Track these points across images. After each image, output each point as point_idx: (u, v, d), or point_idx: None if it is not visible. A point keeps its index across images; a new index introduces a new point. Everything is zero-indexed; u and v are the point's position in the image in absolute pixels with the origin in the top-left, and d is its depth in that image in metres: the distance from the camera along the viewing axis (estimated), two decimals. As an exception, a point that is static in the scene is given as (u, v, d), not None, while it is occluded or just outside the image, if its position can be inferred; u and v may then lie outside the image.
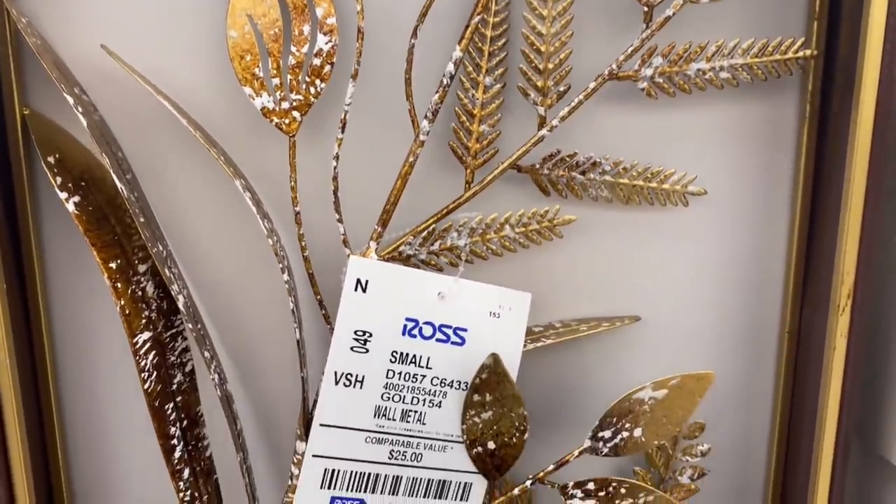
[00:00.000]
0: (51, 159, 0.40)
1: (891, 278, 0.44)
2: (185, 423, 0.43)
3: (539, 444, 0.44)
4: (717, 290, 0.45)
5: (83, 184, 0.40)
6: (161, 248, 0.41)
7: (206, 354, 0.42)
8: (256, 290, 0.44)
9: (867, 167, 0.40)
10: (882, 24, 0.37)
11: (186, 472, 0.43)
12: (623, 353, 0.45)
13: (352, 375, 0.40)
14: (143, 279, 0.41)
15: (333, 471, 0.41)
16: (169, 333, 0.43)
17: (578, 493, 0.43)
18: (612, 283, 0.45)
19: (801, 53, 0.40)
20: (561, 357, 0.45)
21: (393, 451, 0.41)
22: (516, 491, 0.44)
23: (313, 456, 0.40)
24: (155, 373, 0.42)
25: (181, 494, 0.43)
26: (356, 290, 0.40)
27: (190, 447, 0.43)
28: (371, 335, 0.40)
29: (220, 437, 0.44)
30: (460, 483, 0.43)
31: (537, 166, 0.42)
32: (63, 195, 0.39)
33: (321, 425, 0.40)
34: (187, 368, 0.44)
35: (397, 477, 0.42)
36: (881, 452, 0.45)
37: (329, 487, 0.41)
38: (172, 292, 0.41)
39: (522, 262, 0.44)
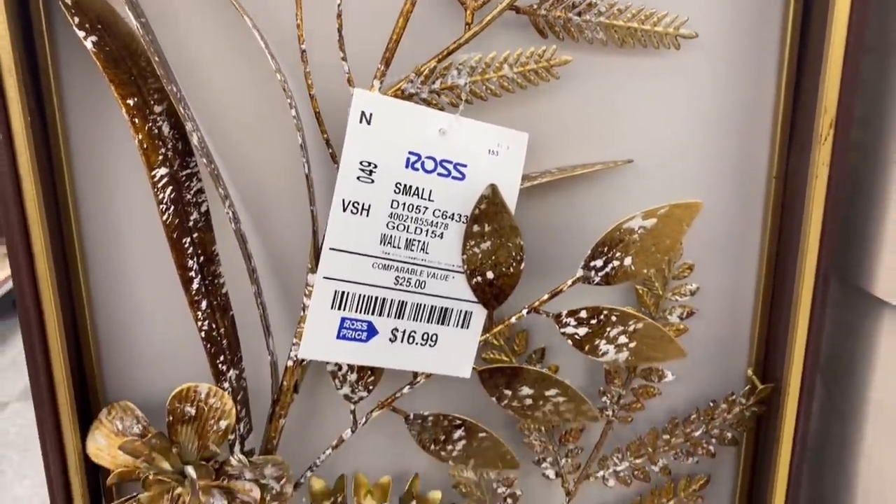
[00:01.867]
0: (68, 0, 0.41)
1: (874, 116, 0.46)
2: (201, 258, 0.46)
3: (534, 278, 0.47)
4: (707, 134, 0.47)
5: (99, 27, 0.42)
6: (175, 88, 0.43)
7: (221, 191, 0.44)
8: (265, 130, 0.46)
9: (847, 28, 0.41)
10: None
11: (204, 304, 0.46)
12: (616, 196, 0.48)
13: (358, 203, 0.42)
14: (159, 119, 0.44)
15: (343, 293, 0.43)
16: (184, 173, 0.45)
17: (572, 321, 0.46)
18: (605, 127, 0.47)
19: None
20: (556, 200, 0.48)
21: (398, 277, 0.44)
22: (513, 319, 0.47)
23: (324, 278, 0.43)
24: (172, 207, 0.44)
25: (200, 324, 0.45)
26: (361, 122, 0.42)
27: (207, 282, 0.46)
28: (376, 166, 0.42)
29: (233, 278, 0.47)
30: (461, 311, 0.45)
31: (535, 7, 0.44)
32: (81, 34, 0.41)
33: (331, 249, 0.43)
34: (203, 209, 0.46)
35: (402, 302, 0.44)
36: (859, 283, 0.48)
37: (339, 308, 0.44)
38: (187, 129, 0.44)
39: (519, 107, 0.46)
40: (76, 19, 0.41)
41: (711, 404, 0.51)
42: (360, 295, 0.44)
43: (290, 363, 0.47)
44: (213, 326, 0.46)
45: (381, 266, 0.44)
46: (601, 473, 0.52)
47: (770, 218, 0.49)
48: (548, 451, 0.52)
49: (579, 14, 0.44)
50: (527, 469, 0.52)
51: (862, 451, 0.49)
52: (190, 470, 0.46)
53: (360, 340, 0.44)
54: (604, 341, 0.46)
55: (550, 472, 0.52)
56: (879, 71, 0.46)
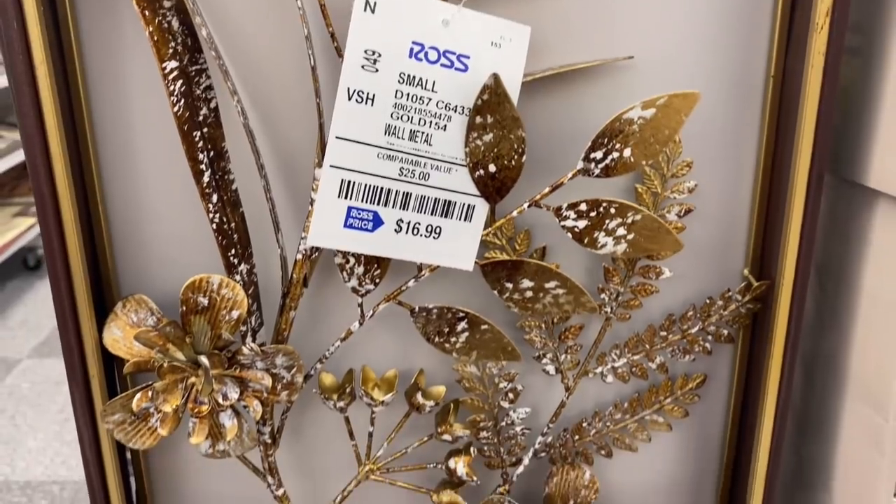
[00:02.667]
0: None
1: (866, 19, 0.47)
2: (211, 153, 0.47)
3: (535, 174, 0.48)
4: (706, 32, 0.48)
5: (107, -81, 0.43)
6: (183, -17, 0.44)
7: (230, 86, 0.46)
8: (271, 24, 0.46)
9: None
10: None
11: (215, 198, 0.47)
12: (615, 92, 0.48)
13: (363, 93, 0.43)
14: (168, 13, 0.44)
15: (349, 182, 0.45)
16: (194, 68, 0.46)
17: (571, 213, 0.47)
18: (606, 24, 0.47)
19: None
20: (557, 96, 0.48)
21: (402, 168, 0.45)
22: (514, 213, 0.48)
23: (331, 166, 0.44)
24: (183, 100, 0.45)
25: (211, 216, 0.47)
26: (365, 10, 0.42)
27: (217, 176, 0.47)
28: (380, 55, 0.43)
29: (243, 176, 0.48)
30: (464, 204, 0.47)
31: None
32: (89, -75, 0.42)
33: (337, 138, 0.44)
34: (212, 105, 0.47)
35: (407, 193, 0.46)
36: (853, 177, 0.49)
37: (346, 198, 0.45)
38: (195, 23, 0.45)
39: (521, 3, 0.46)
40: (85, -89, 0.42)
41: (708, 301, 0.52)
42: (365, 185, 0.45)
43: (299, 256, 0.48)
44: (224, 220, 0.48)
45: (385, 157, 0.45)
46: (600, 370, 0.54)
47: (768, 116, 0.49)
48: (548, 348, 0.53)
49: None
50: (527, 366, 0.54)
51: (854, 343, 0.51)
52: (203, 359, 0.48)
53: (366, 230, 0.46)
54: (602, 233, 0.47)
55: (550, 369, 0.54)
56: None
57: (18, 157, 3.41)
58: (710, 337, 0.53)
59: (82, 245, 0.48)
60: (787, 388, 0.51)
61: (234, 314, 0.48)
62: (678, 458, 0.58)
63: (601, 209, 0.47)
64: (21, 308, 3.39)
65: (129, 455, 0.57)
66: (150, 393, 0.49)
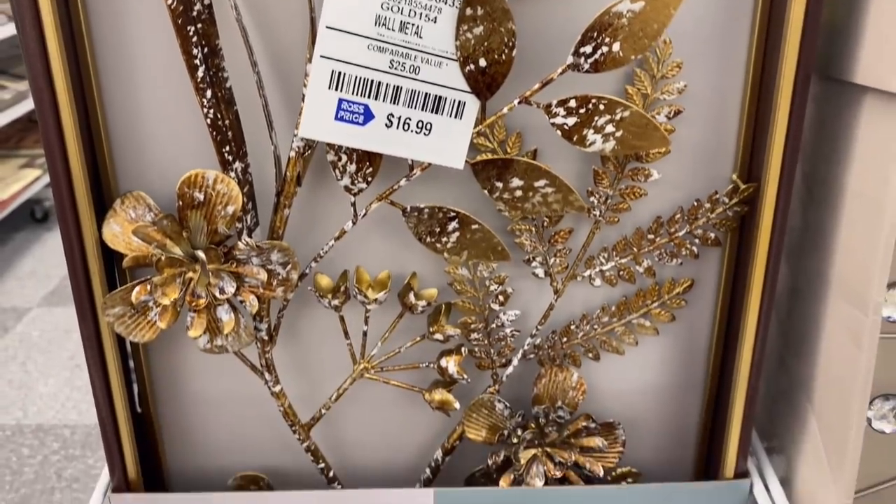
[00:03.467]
0: None
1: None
2: (205, 49, 0.47)
3: (525, 73, 0.48)
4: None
5: None
6: None
7: (222, -21, 0.46)
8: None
9: None
10: None
11: (209, 94, 0.48)
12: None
13: (354, -17, 0.44)
14: None
15: (340, 73, 0.45)
16: (186, -38, 0.46)
17: (561, 110, 0.48)
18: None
19: None
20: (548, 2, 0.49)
21: (393, 60, 0.46)
22: (505, 110, 0.48)
23: (321, 56, 0.45)
24: (175, -7, 0.46)
25: (205, 111, 0.48)
26: None
27: (211, 73, 0.48)
28: (370, -55, 0.43)
29: (237, 76, 0.49)
30: (454, 101, 0.47)
31: None
32: None
33: (327, 27, 0.44)
34: (206, 1, 0.48)
35: (397, 87, 0.46)
36: (840, 75, 0.49)
37: (336, 89, 0.46)
38: (187, -86, 0.45)
39: None
40: None
41: (695, 203, 0.53)
42: (356, 77, 0.46)
43: (292, 154, 0.49)
44: (219, 117, 0.48)
45: (376, 48, 0.45)
46: (588, 273, 0.55)
47: (759, 16, 0.49)
48: (537, 252, 0.55)
49: None
50: (517, 269, 0.55)
51: (838, 242, 0.52)
52: (200, 253, 0.49)
53: (357, 123, 0.47)
54: (591, 130, 0.48)
55: (540, 272, 0.55)
56: None
57: (24, 108, 3.41)
58: (697, 240, 0.54)
59: (81, 144, 0.49)
60: (771, 291, 0.53)
61: (230, 209, 0.49)
62: (665, 364, 0.59)
63: (590, 105, 0.47)
64: (30, 259, 3.42)
65: (132, 364, 0.58)
66: (148, 286, 0.50)
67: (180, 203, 0.49)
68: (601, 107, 0.47)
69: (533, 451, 0.58)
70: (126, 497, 0.55)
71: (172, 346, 0.57)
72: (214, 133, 0.48)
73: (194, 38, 0.46)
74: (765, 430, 0.64)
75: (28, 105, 3.38)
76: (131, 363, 0.58)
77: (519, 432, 0.58)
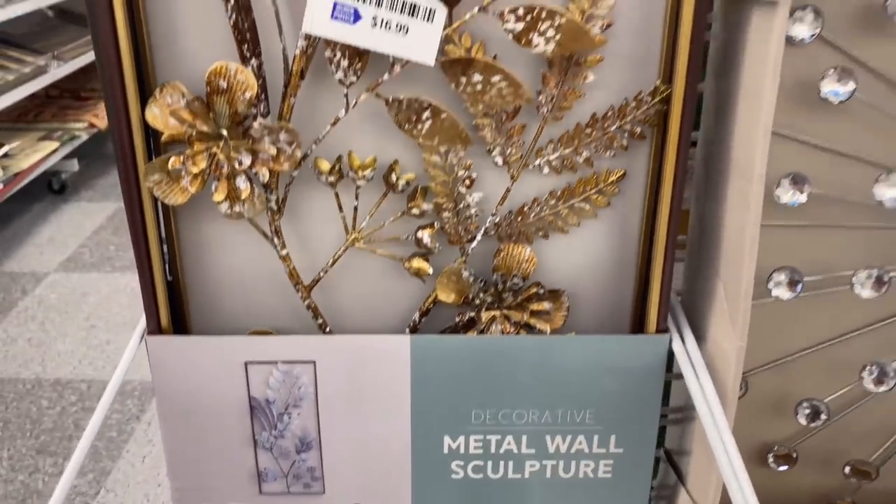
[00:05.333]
0: None
1: None
2: (230, -34, 0.60)
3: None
4: None
5: None
6: None
7: None
8: None
9: None
10: None
11: (232, 1, 0.60)
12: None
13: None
14: None
15: (335, -19, 0.58)
16: None
17: (512, 17, 0.60)
18: None
19: None
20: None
21: (377, -27, 0.58)
22: (467, 16, 0.61)
23: (321, -32, 0.57)
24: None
25: (228, 14, 0.60)
26: None
27: (234, -15, 0.60)
28: None
29: (255, -9, 0.61)
30: (427, 8, 0.59)
31: None
32: None
33: (326, -56, 0.57)
34: (230, -72, 0.60)
35: (381, -6, 0.59)
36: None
37: (332, -5, 0.58)
38: None
39: None
40: None
41: (624, 102, 0.65)
42: (348, -15, 0.58)
43: (297, 52, 0.62)
44: (239, 20, 0.61)
45: (364, -37, 0.58)
46: (538, 162, 0.68)
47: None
48: (497, 143, 0.67)
49: None
50: (480, 158, 0.67)
51: (737, 129, 0.64)
52: (223, 131, 0.62)
53: (348, 22, 0.59)
54: (536, 34, 0.60)
55: (499, 160, 0.67)
56: None
57: (43, 82, 3.54)
58: (626, 134, 0.67)
59: (129, 41, 0.61)
60: (682, 176, 0.65)
61: (247, 94, 0.61)
62: (603, 243, 0.72)
63: (534, 13, 0.59)
64: (47, 227, 3.56)
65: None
66: (181, 157, 0.63)
67: (208, 89, 0.61)
68: (543, 14, 0.59)
69: (493, 313, 0.71)
70: (158, 338, 0.68)
71: (197, 221, 0.70)
72: (236, 33, 0.61)
73: (222, -44, 0.59)
74: (687, 300, 0.76)
75: (46, 80, 3.52)
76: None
77: (481, 296, 0.71)
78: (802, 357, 0.77)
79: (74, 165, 3.76)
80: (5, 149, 3.41)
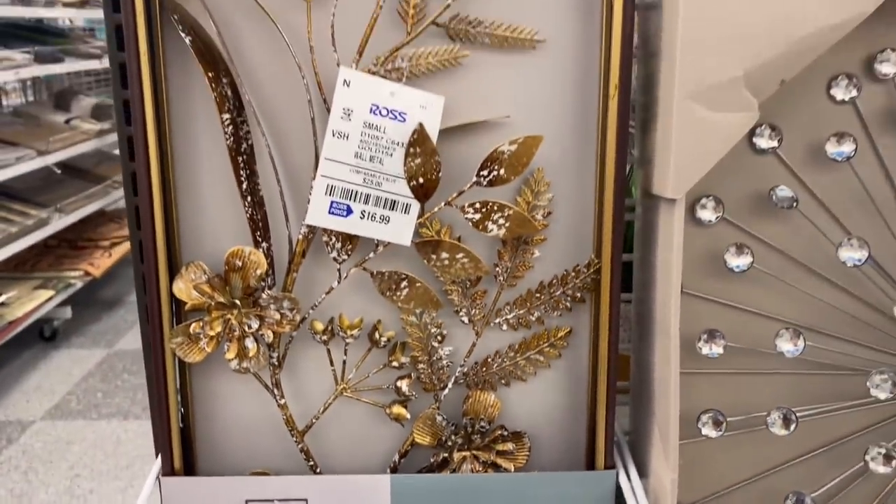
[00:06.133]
0: (175, 17, 0.73)
1: (653, 79, 0.76)
2: (248, 171, 0.76)
3: (448, 185, 0.76)
4: (554, 100, 0.77)
5: (193, 31, 0.73)
6: (235, 69, 0.74)
7: (261, 130, 0.75)
8: (288, 94, 0.76)
9: (622, 31, 0.72)
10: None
11: (249, 199, 0.76)
12: (498, 137, 0.77)
13: (342, 133, 0.72)
14: (225, 86, 0.74)
15: (332, 185, 0.73)
16: (240, 119, 0.75)
17: (471, 210, 0.75)
18: (492, 95, 0.77)
19: (591, -43, 0.73)
20: (461, 138, 0.77)
21: (365, 178, 0.74)
22: (436, 209, 0.76)
23: (321, 176, 0.73)
24: (232, 137, 0.74)
25: (246, 210, 0.75)
26: (344, 86, 0.72)
27: (251, 186, 0.76)
28: (352, 111, 0.72)
29: (266, 185, 0.77)
30: (404, 203, 0.75)
31: (447, 22, 0.74)
32: (184, 35, 0.72)
33: (325, 158, 0.72)
34: (249, 141, 0.76)
35: (368, 194, 0.74)
36: (651, 189, 0.77)
37: (330, 195, 0.73)
38: (241, 93, 0.74)
39: (438, 82, 0.76)
40: (180, 27, 0.72)
41: (565, 272, 0.80)
42: (342, 188, 0.73)
43: (300, 237, 0.76)
44: (254, 214, 0.76)
45: (354, 171, 0.73)
46: (498, 321, 0.81)
47: (599, 153, 0.78)
48: (463, 305, 0.80)
49: (474, 27, 0.75)
50: (450, 318, 0.81)
51: (656, 287, 0.78)
52: (237, 301, 0.75)
53: (342, 216, 0.74)
54: (490, 222, 0.75)
55: (465, 319, 0.81)
56: (647, 56, 0.76)
57: (42, 234, 3.72)
58: (569, 298, 0.81)
59: (163, 227, 0.76)
60: (615, 329, 0.78)
61: (258, 272, 0.75)
62: (557, 389, 0.84)
63: (488, 207, 0.75)
64: (36, 375, 3.61)
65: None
66: (201, 323, 0.75)
67: (226, 267, 0.75)
68: (495, 207, 0.75)
69: (464, 453, 0.81)
70: (172, 479, 0.78)
71: (208, 376, 0.82)
72: (251, 223, 0.76)
73: (241, 164, 0.75)
74: (633, 438, 0.87)
75: (47, 231, 3.70)
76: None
77: (453, 438, 0.82)
78: (737, 489, 0.87)
79: (67, 313, 3.86)
80: (1, 298, 3.52)
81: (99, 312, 4.19)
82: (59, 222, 3.78)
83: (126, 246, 4.02)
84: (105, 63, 3.92)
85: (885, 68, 0.77)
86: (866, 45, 0.78)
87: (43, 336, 3.87)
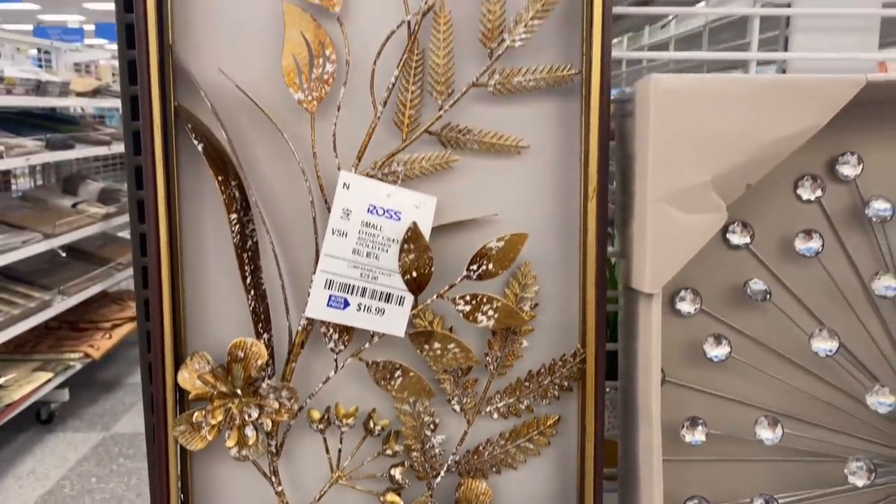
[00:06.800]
0: (189, 126, 0.79)
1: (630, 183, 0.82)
2: (252, 266, 0.80)
3: (440, 278, 0.81)
4: (539, 200, 0.83)
5: (205, 139, 0.79)
6: (243, 173, 0.80)
7: (266, 228, 0.80)
8: (292, 196, 0.81)
9: (598, 138, 0.78)
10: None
11: (252, 293, 0.80)
12: (486, 234, 0.82)
13: (341, 231, 0.78)
14: (234, 188, 0.80)
15: (331, 280, 0.78)
16: (246, 218, 0.81)
17: (462, 302, 0.80)
18: (481, 196, 0.82)
19: (571, 72, 0.80)
20: (453, 234, 0.82)
21: (362, 273, 0.78)
22: (428, 301, 0.80)
23: (321, 271, 0.77)
24: (239, 236, 0.79)
25: (249, 303, 0.80)
26: (343, 188, 0.78)
27: (254, 280, 0.80)
28: (351, 211, 0.78)
29: (270, 279, 0.81)
30: (399, 296, 0.79)
31: (440, 130, 0.81)
32: (196, 142, 0.78)
33: (325, 255, 0.77)
34: (254, 238, 0.81)
35: (364, 287, 0.78)
36: (628, 283, 0.82)
37: (328, 289, 0.78)
38: (248, 195, 0.80)
39: (431, 184, 0.82)
40: (193, 135, 0.78)
41: (552, 362, 0.83)
42: (340, 282, 0.78)
43: (299, 328, 0.81)
44: (257, 306, 0.80)
45: (352, 266, 0.78)
46: (488, 409, 0.84)
47: (583, 248, 0.83)
48: (455, 394, 0.84)
49: (464, 135, 0.81)
50: (442, 406, 0.84)
51: (638, 376, 0.81)
52: (238, 391, 0.79)
53: (340, 309, 0.78)
54: (479, 314, 0.80)
55: (456, 407, 0.84)
56: (624, 159, 0.82)
57: (44, 316, 3.75)
58: (557, 387, 0.84)
59: (171, 321, 0.80)
60: (601, 417, 0.81)
61: (259, 362, 0.79)
62: (547, 475, 0.86)
63: (478, 299, 0.79)
64: (30, 459, 3.58)
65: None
66: (203, 412, 0.79)
67: (228, 358, 0.79)
68: (485, 300, 0.79)
69: (455, 540, 0.83)
70: (169, 567, 0.80)
71: (208, 463, 0.84)
72: (253, 316, 0.80)
73: (246, 260, 0.80)
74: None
75: (49, 314, 3.73)
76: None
77: (445, 525, 0.83)
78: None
79: (65, 395, 3.85)
80: (0, 381, 3.52)
81: (97, 394, 4.17)
82: (61, 304, 3.82)
83: (127, 327, 4.05)
84: (114, 149, 4.04)
85: (845, 170, 0.84)
86: (828, 148, 0.84)
87: (39, 419, 3.84)
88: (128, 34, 0.80)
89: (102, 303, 4.41)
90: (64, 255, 4.21)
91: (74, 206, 4.12)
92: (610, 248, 0.88)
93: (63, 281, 3.97)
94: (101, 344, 4.08)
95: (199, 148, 0.78)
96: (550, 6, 0.77)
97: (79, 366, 3.96)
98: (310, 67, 0.78)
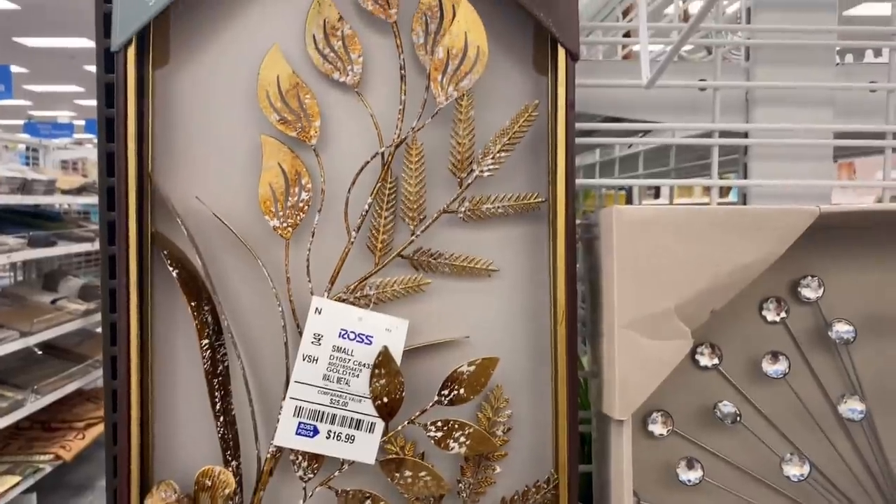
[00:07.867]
0: (165, 252, 0.80)
1: (597, 306, 0.83)
2: (222, 391, 0.80)
3: (411, 403, 0.80)
4: (508, 322, 0.84)
5: (180, 265, 0.81)
6: (216, 297, 0.80)
7: (237, 352, 0.80)
8: (263, 321, 0.82)
9: (565, 264, 0.81)
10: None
11: (222, 419, 0.79)
12: (458, 356, 0.83)
13: (312, 357, 0.78)
14: (206, 313, 0.80)
15: (300, 407, 0.77)
16: (217, 343, 0.81)
17: (433, 428, 0.79)
18: (452, 318, 0.83)
19: (538, 200, 0.82)
20: (423, 358, 0.83)
21: (332, 399, 0.78)
22: (399, 427, 0.80)
23: (290, 398, 0.77)
24: (209, 361, 0.79)
25: (218, 430, 0.79)
26: (315, 313, 0.79)
27: (224, 406, 0.80)
28: (322, 336, 0.78)
29: (239, 406, 0.81)
30: (369, 422, 0.79)
31: (412, 255, 0.83)
32: (171, 269, 0.79)
33: (295, 382, 0.77)
34: (225, 363, 0.81)
35: (334, 414, 0.78)
36: (600, 408, 0.82)
37: (297, 416, 0.77)
38: (221, 320, 0.80)
39: (403, 307, 0.83)
40: (168, 260, 0.80)
41: (526, 488, 0.82)
42: (309, 409, 0.78)
43: (268, 456, 0.79)
44: (226, 433, 0.79)
45: (322, 392, 0.78)
46: (461, 537, 0.82)
47: (555, 374, 0.84)
48: (427, 521, 0.82)
49: (435, 259, 0.83)
50: (414, 534, 0.82)
51: (611, 501, 0.80)
52: (203, 521, 0.77)
53: (309, 437, 0.78)
54: (451, 440, 0.79)
55: (429, 536, 0.82)
56: (592, 282, 0.84)
57: (18, 416, 3.65)
58: (530, 513, 0.83)
59: (139, 446, 0.79)
60: (579, 546, 0.80)
61: (227, 491, 0.78)
62: None
63: (449, 425, 0.79)
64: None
65: None
66: (167, 545, 0.76)
67: (196, 486, 0.77)
68: (456, 426, 0.79)
69: None
70: None
71: None
72: (222, 442, 0.79)
73: (217, 386, 0.79)
74: None
75: (21, 414, 3.63)
76: None
77: None
78: None
79: (32, 500, 3.71)
80: (-35, 485, 3.39)
81: (67, 498, 4.02)
82: (34, 403, 3.73)
83: (101, 427, 3.94)
84: (97, 245, 4.05)
85: (807, 293, 0.86)
86: (791, 271, 0.87)
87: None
88: (107, 128, 0.81)
89: (77, 401, 4.30)
90: (40, 352, 4.14)
91: (54, 302, 4.09)
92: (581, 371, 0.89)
93: (37, 379, 3.88)
94: (73, 444, 3.96)
95: (174, 274, 0.79)
96: (517, 140, 0.81)
97: (49, 468, 3.83)
98: (285, 196, 0.80)
